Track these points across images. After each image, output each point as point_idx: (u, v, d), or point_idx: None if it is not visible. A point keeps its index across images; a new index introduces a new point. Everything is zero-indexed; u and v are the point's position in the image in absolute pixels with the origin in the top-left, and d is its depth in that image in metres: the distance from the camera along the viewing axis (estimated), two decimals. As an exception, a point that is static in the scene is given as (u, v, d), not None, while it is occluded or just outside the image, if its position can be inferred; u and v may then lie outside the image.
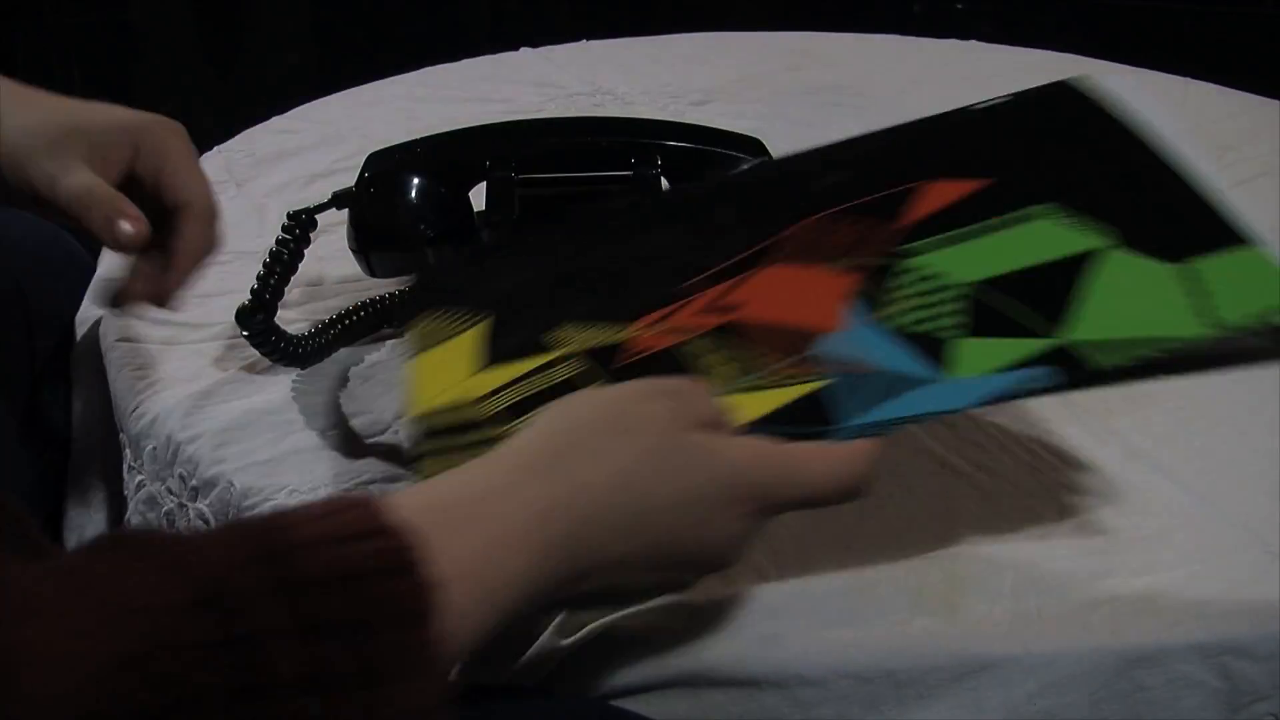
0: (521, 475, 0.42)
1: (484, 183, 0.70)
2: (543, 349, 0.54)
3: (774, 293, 0.53)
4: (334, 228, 0.74)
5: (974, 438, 0.64)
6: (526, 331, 0.55)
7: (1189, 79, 1.16)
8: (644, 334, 0.53)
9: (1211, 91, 1.13)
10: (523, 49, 1.21)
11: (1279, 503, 0.59)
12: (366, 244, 0.69)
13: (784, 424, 0.48)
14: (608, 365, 0.52)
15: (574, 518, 0.42)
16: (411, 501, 0.39)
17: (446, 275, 0.60)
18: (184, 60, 2.87)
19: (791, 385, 0.50)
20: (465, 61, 1.20)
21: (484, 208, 0.70)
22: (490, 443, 0.47)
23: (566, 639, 0.52)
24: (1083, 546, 0.57)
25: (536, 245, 0.61)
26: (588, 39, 1.24)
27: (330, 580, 0.33)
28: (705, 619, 0.53)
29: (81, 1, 2.93)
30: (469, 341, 0.55)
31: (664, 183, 0.70)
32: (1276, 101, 1.09)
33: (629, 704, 0.52)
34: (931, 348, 0.49)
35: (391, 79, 1.15)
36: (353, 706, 0.33)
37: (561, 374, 0.53)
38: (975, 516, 0.59)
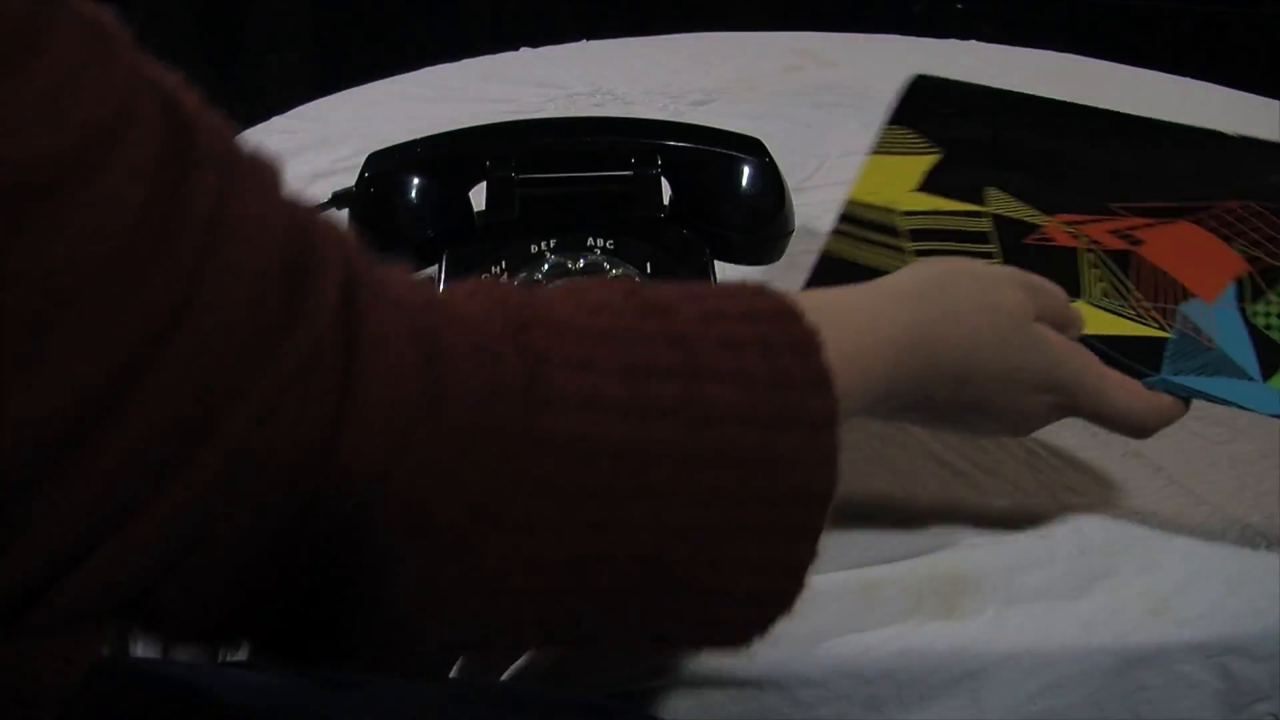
0: (895, 304, 0.49)
1: (484, 183, 0.70)
2: (970, 198, 0.63)
3: (1178, 246, 0.60)
4: (334, 228, 0.73)
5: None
6: (964, 178, 0.63)
7: (1189, 79, 1.16)
8: (1056, 228, 0.61)
9: (1211, 91, 1.13)
10: (523, 49, 1.21)
11: (1279, 502, 0.59)
12: (366, 244, 0.69)
13: (1118, 351, 0.55)
14: (1014, 239, 0.61)
15: (923, 356, 0.48)
16: (797, 298, 0.44)
17: (937, 101, 0.67)
18: (184, 60, 2.87)
19: (1142, 324, 0.57)
20: (465, 61, 1.19)
21: (484, 208, 0.70)
22: (891, 248, 0.60)
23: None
24: (1082, 546, 0.57)
25: (995, 107, 0.68)
26: (588, 39, 1.24)
27: (741, 314, 0.41)
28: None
29: (81, 1, 2.92)
30: (918, 165, 0.64)
31: (664, 183, 0.70)
32: (1276, 101, 1.09)
33: (629, 703, 0.52)
34: (1271, 354, 0.55)
35: (391, 79, 1.15)
36: (766, 405, 0.39)
37: (973, 225, 0.62)
38: (975, 516, 0.59)
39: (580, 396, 0.36)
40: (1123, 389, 0.53)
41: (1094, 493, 0.60)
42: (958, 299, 0.50)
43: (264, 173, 0.35)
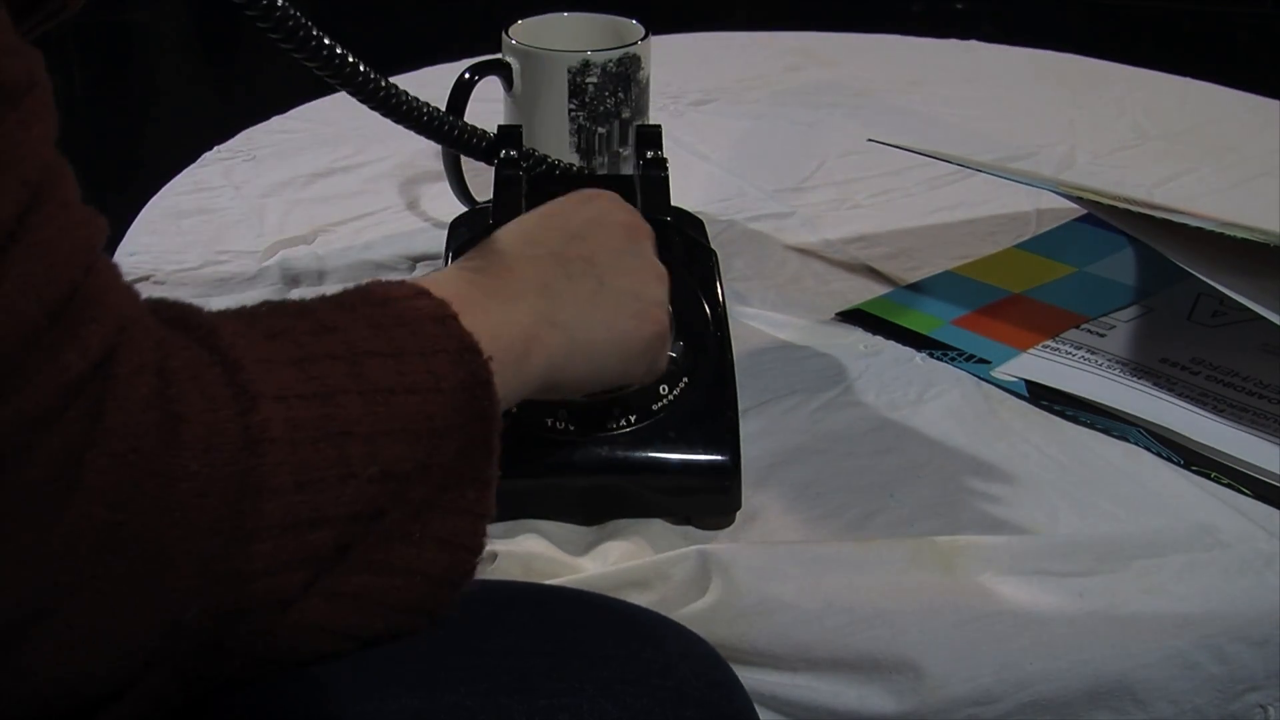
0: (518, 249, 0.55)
1: (484, 178, 0.70)
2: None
3: None
4: (335, 229, 0.74)
5: (975, 434, 0.64)
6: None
7: (1189, 79, 1.16)
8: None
9: (1211, 91, 1.13)
10: (523, 49, 1.21)
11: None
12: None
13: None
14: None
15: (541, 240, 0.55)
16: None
17: None
18: (184, 60, 2.87)
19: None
20: (465, 61, 1.20)
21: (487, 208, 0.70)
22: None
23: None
24: (1084, 533, 0.57)
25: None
26: (588, 39, 1.24)
27: (379, 299, 0.44)
28: (702, 568, 0.53)
29: (82, 2, 2.92)
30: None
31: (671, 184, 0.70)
32: (1276, 101, 1.09)
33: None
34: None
35: (391, 79, 1.15)
36: (418, 371, 0.42)
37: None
38: (975, 511, 0.59)
39: (277, 390, 0.39)
40: None
41: (1095, 481, 0.60)
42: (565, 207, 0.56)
43: (74, 211, 0.35)
